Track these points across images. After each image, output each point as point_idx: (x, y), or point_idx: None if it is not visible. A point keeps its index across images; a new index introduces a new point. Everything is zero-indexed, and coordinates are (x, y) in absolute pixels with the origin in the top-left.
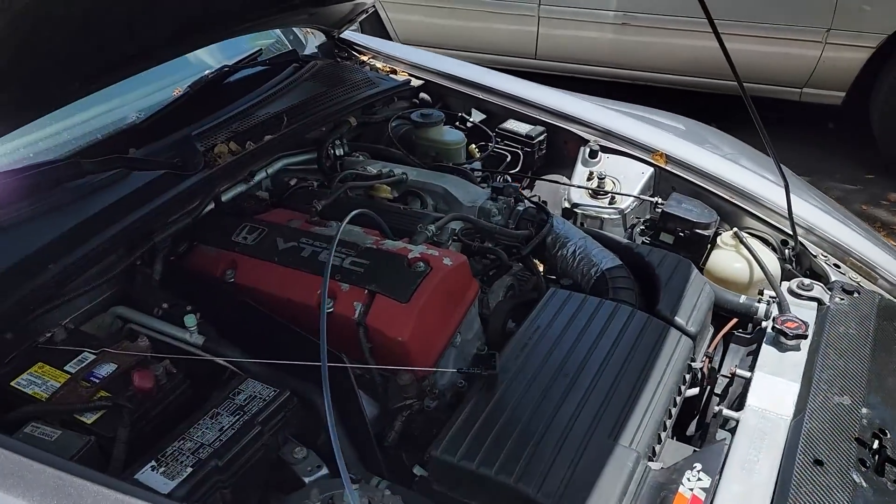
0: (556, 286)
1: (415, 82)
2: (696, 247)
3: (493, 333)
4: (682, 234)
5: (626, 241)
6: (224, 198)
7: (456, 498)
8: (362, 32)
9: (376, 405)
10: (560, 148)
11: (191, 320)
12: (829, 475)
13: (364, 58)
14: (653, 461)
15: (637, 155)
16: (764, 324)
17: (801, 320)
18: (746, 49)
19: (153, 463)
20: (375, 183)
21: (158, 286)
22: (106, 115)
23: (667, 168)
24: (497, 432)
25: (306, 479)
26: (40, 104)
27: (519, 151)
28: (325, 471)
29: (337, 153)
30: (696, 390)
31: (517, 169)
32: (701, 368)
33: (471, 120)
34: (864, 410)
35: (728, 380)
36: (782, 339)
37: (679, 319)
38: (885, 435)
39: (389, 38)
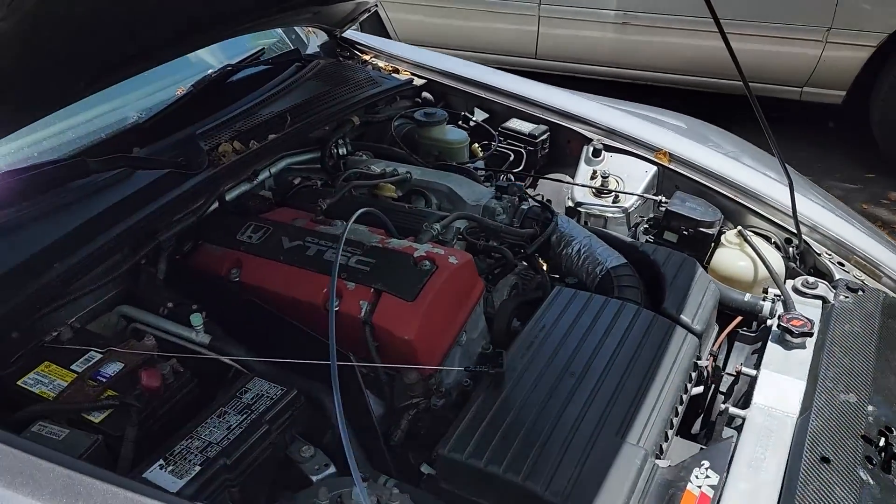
0: (561, 285)
1: (417, 81)
2: (700, 245)
3: (497, 332)
4: (685, 233)
5: (630, 239)
6: (228, 197)
7: (464, 496)
8: (362, 32)
9: (381, 404)
10: (563, 147)
11: (197, 319)
12: (836, 473)
13: (366, 57)
14: (660, 459)
15: (640, 154)
16: (769, 322)
17: (806, 318)
18: (747, 48)
19: (161, 462)
20: (380, 182)
21: (163, 285)
22: (108, 114)
23: (670, 167)
24: (504, 430)
25: (314, 478)
26: (45, 103)
27: (522, 150)
28: (332, 469)
29: (340, 152)
30: (700, 389)
31: (520, 168)
32: (706, 367)
33: (473, 119)
34: (870, 408)
35: (733, 378)
36: (788, 337)
37: (685, 318)
38: (891, 432)
39: (389, 38)
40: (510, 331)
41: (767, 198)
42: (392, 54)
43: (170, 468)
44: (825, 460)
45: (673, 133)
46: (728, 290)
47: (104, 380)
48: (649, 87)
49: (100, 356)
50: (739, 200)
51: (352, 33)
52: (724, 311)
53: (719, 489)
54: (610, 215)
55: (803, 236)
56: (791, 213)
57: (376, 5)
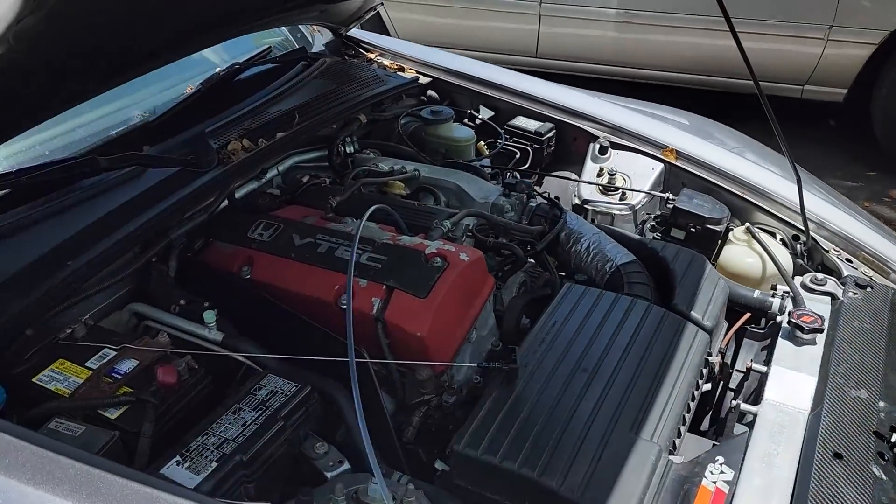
0: (570, 282)
1: (422, 80)
2: (708, 242)
3: (507, 329)
4: (693, 230)
5: (638, 236)
6: (237, 195)
7: (478, 492)
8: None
9: (392, 401)
10: (568, 144)
11: (210, 316)
12: (849, 468)
13: (371, 55)
14: (673, 455)
15: (647, 151)
16: (778, 318)
17: (816, 314)
18: (748, 46)
19: (178, 458)
20: (389, 179)
21: (174, 283)
22: (116, 113)
23: (677, 164)
24: (518, 426)
25: (328, 475)
26: (60, 100)
27: (528, 148)
28: (346, 466)
29: (347, 150)
30: (708, 385)
31: (526, 166)
32: (715, 363)
33: (479, 117)
34: (882, 404)
35: (743, 374)
36: (798, 333)
37: (695, 314)
38: None
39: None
40: (520, 328)
41: (775, 194)
42: (397, 52)
43: (186, 464)
44: (838, 456)
45: (679, 130)
46: (737, 287)
47: (119, 376)
48: (650, 85)
49: (114, 353)
50: (747, 197)
51: (356, 31)
52: (733, 308)
53: (734, 485)
54: (617, 213)
55: (811, 233)
56: (798, 210)
57: (382, 3)
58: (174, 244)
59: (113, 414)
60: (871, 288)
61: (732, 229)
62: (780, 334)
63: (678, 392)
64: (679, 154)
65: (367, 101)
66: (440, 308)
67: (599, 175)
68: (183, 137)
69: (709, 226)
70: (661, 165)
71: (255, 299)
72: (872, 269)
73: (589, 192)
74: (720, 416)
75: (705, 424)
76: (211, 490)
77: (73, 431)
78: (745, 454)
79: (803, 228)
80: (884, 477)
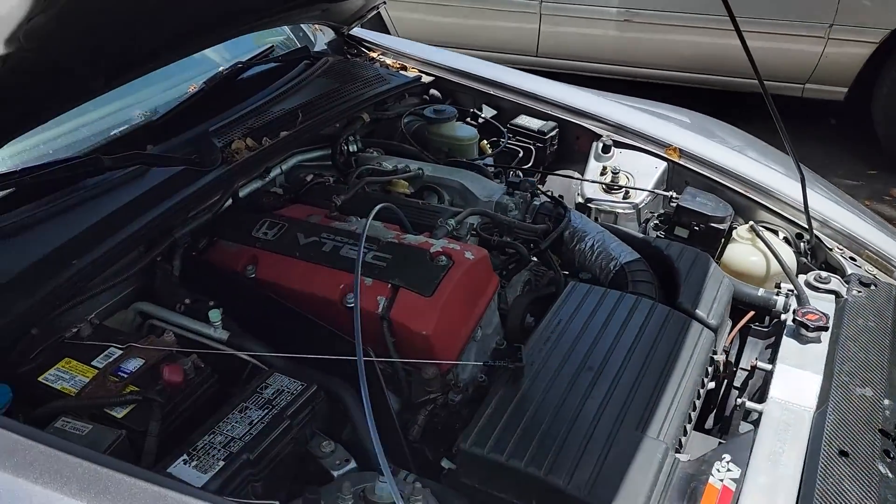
0: (574, 280)
1: (425, 78)
2: (711, 240)
3: (511, 328)
4: (696, 228)
5: (642, 235)
6: (241, 194)
7: (484, 490)
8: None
9: (398, 399)
10: (571, 143)
11: (216, 315)
12: (855, 466)
13: (373, 54)
14: (679, 453)
15: (650, 149)
16: (783, 316)
17: (821, 312)
18: (749, 45)
19: (185, 457)
20: (393, 178)
21: (178, 282)
22: (120, 113)
23: (680, 162)
24: (525, 425)
25: (335, 473)
26: (67, 99)
27: (531, 147)
28: (353, 464)
29: (350, 149)
30: (712, 384)
31: (529, 164)
32: (720, 361)
33: (482, 116)
34: (887, 402)
35: (748, 373)
36: (803, 331)
37: (700, 312)
38: None
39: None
40: (524, 327)
41: (778, 193)
42: (399, 51)
43: (193, 463)
44: (843, 454)
45: (682, 128)
46: (741, 285)
47: (125, 375)
48: (651, 84)
49: (120, 352)
50: (750, 196)
51: (358, 30)
52: (737, 306)
53: (741, 483)
54: (620, 211)
55: (814, 231)
56: (801, 208)
57: (384, 2)
58: (178, 243)
59: (119, 413)
60: (875, 286)
61: (736, 228)
62: (784, 332)
63: (684, 390)
64: (682, 152)
65: (370, 100)
66: (445, 307)
67: (603, 174)
68: (186, 136)
69: (712, 224)
70: (665, 164)
71: (260, 298)
72: (876, 268)
73: (592, 191)
74: (724, 415)
75: (709, 423)
76: (218, 489)
77: (80, 430)
78: (750, 452)
79: (807, 227)
80: (889, 475)
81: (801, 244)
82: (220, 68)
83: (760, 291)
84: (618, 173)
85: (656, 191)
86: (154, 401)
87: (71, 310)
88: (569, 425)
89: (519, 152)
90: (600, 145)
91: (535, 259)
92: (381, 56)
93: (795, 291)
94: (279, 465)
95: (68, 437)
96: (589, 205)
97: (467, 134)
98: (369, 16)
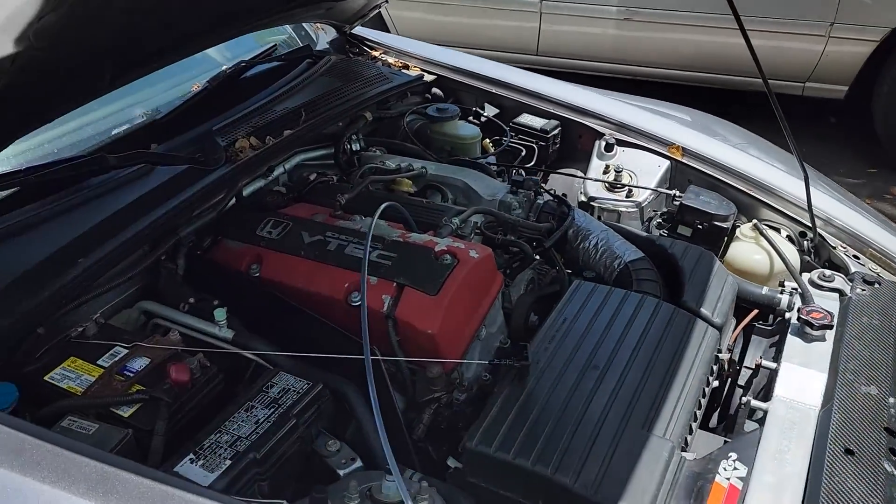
0: (578, 279)
1: (427, 77)
2: (715, 239)
3: (515, 327)
4: (700, 227)
5: (646, 233)
6: (244, 193)
7: (490, 489)
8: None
9: (402, 398)
10: (574, 142)
11: (221, 314)
12: (861, 465)
13: (376, 53)
14: (685, 451)
15: (653, 148)
16: (787, 315)
17: (826, 311)
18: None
19: (191, 456)
20: (396, 177)
21: (183, 281)
22: (122, 112)
23: (683, 161)
24: (531, 424)
25: (341, 472)
26: (73, 98)
27: (533, 145)
28: (359, 463)
29: (353, 148)
30: (716, 382)
31: (532, 163)
32: (725, 360)
33: (485, 114)
34: (892, 400)
35: (752, 371)
36: (808, 329)
37: (705, 311)
38: None
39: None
40: (528, 325)
41: (781, 191)
42: (401, 50)
43: (200, 462)
44: (849, 452)
45: (685, 127)
46: (745, 284)
47: (131, 374)
48: (651, 83)
49: (126, 351)
50: (753, 194)
51: (360, 29)
52: (741, 305)
53: (747, 481)
54: (623, 210)
55: (818, 229)
56: (805, 206)
57: (386, 1)
58: (183, 242)
59: (126, 412)
60: (879, 284)
61: (739, 226)
62: (789, 331)
63: (689, 389)
64: (685, 151)
65: (372, 99)
66: (451, 305)
67: (605, 172)
68: (190, 135)
69: (716, 222)
70: (668, 162)
71: (265, 297)
72: (879, 266)
73: (595, 190)
74: (729, 413)
75: (713, 421)
76: (225, 488)
77: (87, 429)
78: (756, 451)
79: (810, 225)
80: (895, 473)
81: (805, 242)
82: (223, 67)
83: (764, 290)
84: (621, 172)
85: (659, 189)
86: (161, 400)
87: (76, 309)
88: (575, 424)
89: (521, 151)
90: (603, 144)
91: (538, 257)
92: (383, 55)
93: (799, 290)
94: (285, 464)
95: (75, 436)
96: (592, 203)
97: (470, 132)
98: (371, 14)
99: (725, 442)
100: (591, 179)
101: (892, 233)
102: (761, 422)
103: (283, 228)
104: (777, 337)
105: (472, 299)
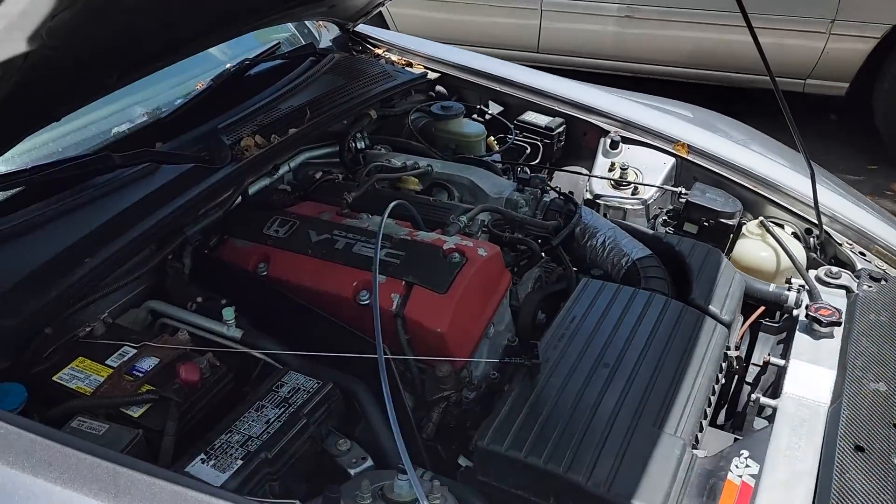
0: (585, 276)
1: (431, 75)
2: (721, 236)
3: (523, 325)
4: (706, 224)
5: (652, 231)
6: (250, 191)
7: (502, 488)
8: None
9: (411, 397)
10: (578, 139)
11: (229, 314)
12: (871, 461)
13: (379, 51)
14: (696, 449)
15: (658, 145)
16: (795, 312)
17: (834, 308)
18: (751, 40)
19: (203, 456)
20: (403, 175)
21: (190, 280)
22: (126, 111)
23: (688, 158)
24: (542, 422)
25: (351, 471)
26: (81, 96)
27: (538, 143)
28: (369, 462)
29: (358, 146)
30: (723, 379)
31: (537, 161)
32: (734, 357)
33: (489, 112)
34: None
35: (759, 368)
36: (816, 326)
37: (713, 308)
38: None
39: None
40: (535, 323)
41: (786, 188)
42: (405, 48)
43: (211, 462)
44: (859, 449)
45: (690, 124)
46: (753, 281)
47: (140, 374)
48: (651, 80)
49: (134, 351)
50: (759, 191)
51: (363, 27)
52: (749, 302)
53: (759, 479)
54: (629, 207)
55: (824, 226)
56: (811, 203)
57: None
58: (189, 241)
59: (136, 412)
60: (886, 281)
61: (745, 223)
62: (797, 328)
63: (700, 386)
64: (691, 148)
65: (377, 97)
66: (460, 304)
67: (611, 170)
68: (195, 134)
69: (722, 220)
70: (673, 160)
71: (272, 296)
72: (886, 263)
73: (601, 187)
74: (737, 410)
75: (721, 418)
76: (237, 488)
77: (97, 430)
78: (767, 448)
79: (816, 222)
80: None
81: (811, 239)
82: (227, 65)
83: (772, 287)
84: (626, 169)
85: (665, 186)
86: (171, 400)
87: (83, 309)
88: (586, 422)
89: (526, 149)
90: (608, 141)
91: (544, 255)
92: (386, 52)
93: (807, 287)
94: (296, 464)
95: (85, 436)
96: (598, 201)
97: (475, 130)
98: (374, 12)
99: (735, 439)
100: (596, 177)
101: None
102: (770, 419)
103: (290, 227)
104: (784, 334)
105: (481, 297)
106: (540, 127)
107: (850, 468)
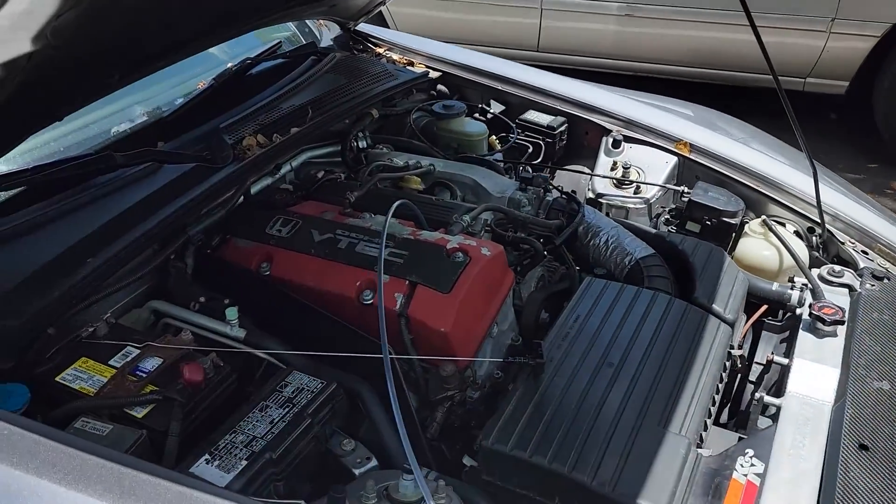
0: (588, 275)
1: (432, 74)
2: (723, 235)
3: (526, 324)
4: (708, 223)
5: (655, 230)
6: (252, 190)
7: (506, 487)
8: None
9: (415, 397)
10: (580, 138)
11: (232, 313)
12: (875, 459)
13: (380, 50)
14: (701, 448)
15: (660, 144)
16: (798, 311)
17: (837, 306)
18: (751, 38)
19: (207, 456)
20: (405, 174)
21: (192, 280)
22: (127, 110)
23: (691, 157)
24: (547, 421)
25: (356, 472)
26: (83, 95)
27: (540, 142)
28: (374, 462)
29: (360, 145)
30: (726, 378)
31: (539, 160)
32: (738, 356)
33: (491, 111)
34: None
35: (763, 367)
36: (819, 325)
37: (717, 307)
38: None
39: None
40: (539, 322)
41: (789, 187)
42: (406, 47)
43: (216, 463)
44: (864, 447)
45: (692, 123)
46: (755, 280)
47: (144, 375)
48: (651, 79)
49: (137, 351)
50: (761, 190)
51: (364, 26)
52: (752, 301)
53: (764, 477)
54: (632, 206)
55: (826, 225)
56: (813, 202)
57: None
58: (192, 241)
59: (139, 413)
60: (888, 279)
61: (748, 222)
62: (800, 327)
63: (704, 385)
64: (693, 147)
65: (378, 96)
66: (463, 303)
67: (613, 169)
68: (197, 133)
69: (724, 219)
70: (675, 159)
71: (275, 296)
72: (888, 261)
73: (603, 186)
74: (740, 409)
75: (724, 417)
76: (242, 488)
77: (100, 431)
78: (772, 447)
79: (819, 220)
80: None
81: (814, 238)
82: (229, 64)
83: (774, 286)
84: (628, 168)
85: (667, 185)
86: (175, 400)
87: (86, 309)
88: (591, 421)
89: (528, 148)
90: (610, 140)
91: (547, 255)
92: (387, 51)
93: (810, 285)
94: (301, 464)
95: (89, 437)
96: (600, 200)
97: (477, 129)
98: (375, 11)
99: (740, 438)
100: (598, 176)
101: None
102: (774, 417)
103: (293, 227)
104: (788, 333)
105: (485, 297)
106: (542, 126)
107: (855, 467)
